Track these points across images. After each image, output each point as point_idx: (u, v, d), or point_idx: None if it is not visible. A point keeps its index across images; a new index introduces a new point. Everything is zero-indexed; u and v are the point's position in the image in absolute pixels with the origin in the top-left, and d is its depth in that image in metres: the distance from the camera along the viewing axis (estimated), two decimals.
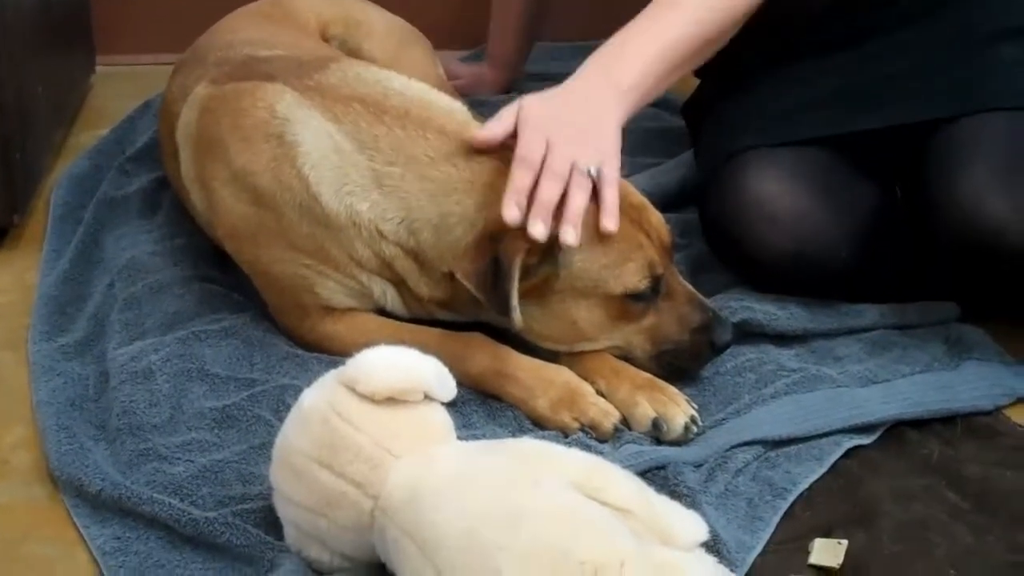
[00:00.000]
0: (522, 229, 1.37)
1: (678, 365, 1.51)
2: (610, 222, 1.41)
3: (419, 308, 1.56)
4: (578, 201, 1.38)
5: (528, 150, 1.39)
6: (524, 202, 1.37)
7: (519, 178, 1.38)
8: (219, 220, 1.62)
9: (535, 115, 1.43)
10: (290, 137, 1.53)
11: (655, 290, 1.48)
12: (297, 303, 1.58)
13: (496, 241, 1.39)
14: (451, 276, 1.48)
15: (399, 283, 1.54)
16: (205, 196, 1.64)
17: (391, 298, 1.56)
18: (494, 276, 1.39)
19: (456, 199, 1.46)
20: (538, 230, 1.36)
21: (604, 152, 1.42)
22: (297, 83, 1.58)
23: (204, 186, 1.63)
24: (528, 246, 1.38)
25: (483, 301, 1.41)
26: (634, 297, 1.46)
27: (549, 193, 1.38)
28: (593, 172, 1.40)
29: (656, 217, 1.50)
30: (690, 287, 1.52)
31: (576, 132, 1.42)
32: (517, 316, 1.39)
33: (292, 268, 1.55)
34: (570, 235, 1.38)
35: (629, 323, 1.49)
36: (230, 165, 1.57)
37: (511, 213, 1.37)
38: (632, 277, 1.45)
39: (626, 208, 1.46)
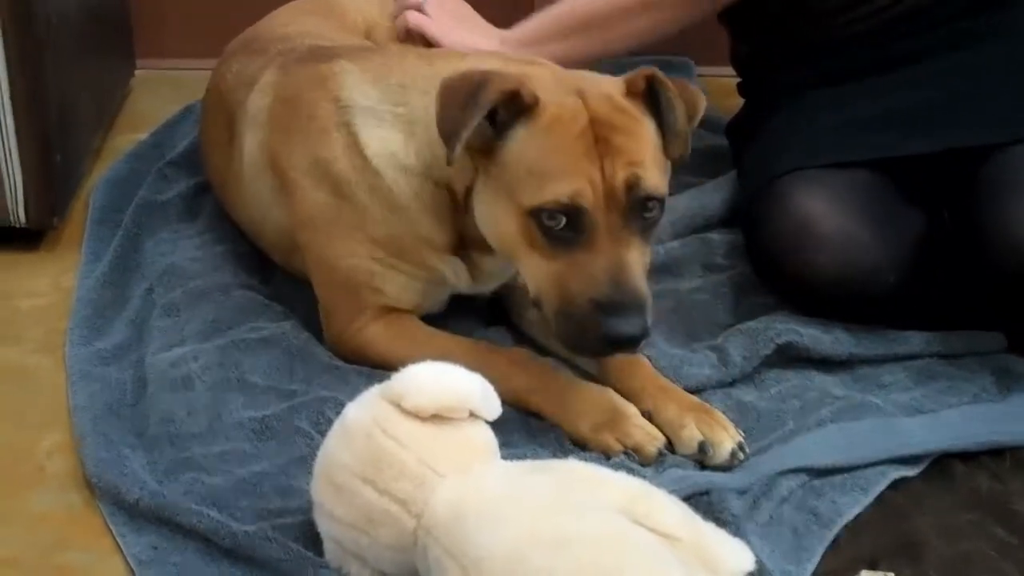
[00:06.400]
0: (513, 76, 1.37)
1: (575, 342, 1.38)
2: None
3: (482, 278, 1.58)
4: None
5: None
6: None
7: None
8: (294, 209, 1.60)
9: None
10: (354, 125, 1.53)
11: (573, 229, 1.34)
12: (354, 301, 1.56)
13: (483, 78, 1.36)
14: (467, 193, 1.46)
15: (466, 254, 1.54)
16: (278, 184, 1.63)
17: (462, 276, 1.56)
18: (465, 99, 1.34)
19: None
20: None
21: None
22: (363, 63, 1.58)
23: (278, 174, 1.62)
24: (512, 91, 1.34)
25: (438, 120, 1.36)
26: (545, 225, 1.35)
27: None
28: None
29: (627, 162, 1.34)
30: (628, 259, 1.34)
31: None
32: (459, 146, 1.34)
33: (363, 263, 1.54)
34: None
35: (536, 254, 1.37)
36: (310, 154, 1.56)
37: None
38: (545, 194, 1.33)
39: (602, 120, 1.35)
